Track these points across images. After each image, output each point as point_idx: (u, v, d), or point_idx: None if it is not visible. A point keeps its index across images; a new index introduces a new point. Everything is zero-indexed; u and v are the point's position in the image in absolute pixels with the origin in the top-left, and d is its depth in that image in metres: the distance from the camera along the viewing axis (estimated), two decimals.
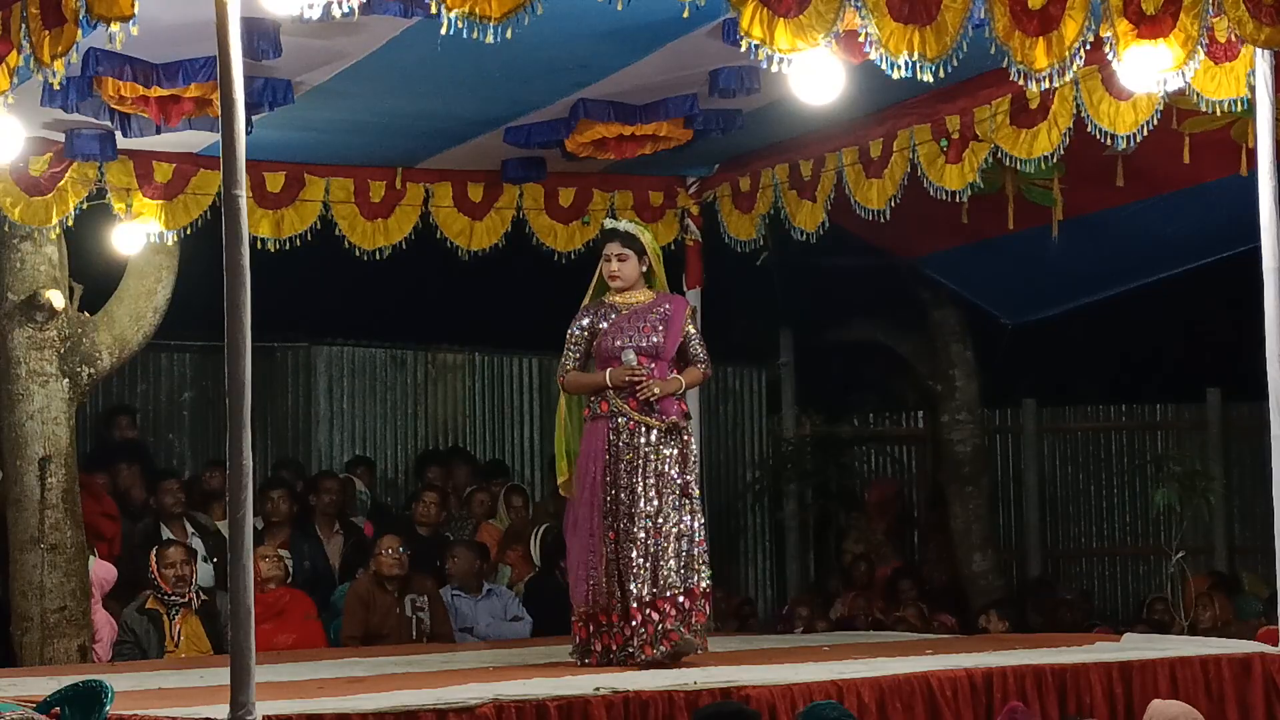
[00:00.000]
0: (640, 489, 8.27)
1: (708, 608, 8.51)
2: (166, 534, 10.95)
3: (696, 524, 8.37)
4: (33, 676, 8.44)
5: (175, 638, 10.01)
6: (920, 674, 7.63)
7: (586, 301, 8.68)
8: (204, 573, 10.62)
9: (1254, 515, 13.57)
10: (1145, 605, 12.91)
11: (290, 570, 10.95)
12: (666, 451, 8.33)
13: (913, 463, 15.64)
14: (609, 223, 8.82)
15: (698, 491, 8.51)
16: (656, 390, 8.33)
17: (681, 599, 8.25)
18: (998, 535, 14.77)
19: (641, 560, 8.20)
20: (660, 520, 8.25)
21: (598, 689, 7.06)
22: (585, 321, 8.55)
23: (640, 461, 8.29)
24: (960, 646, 9.15)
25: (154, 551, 10.22)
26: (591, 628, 8.33)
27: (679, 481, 8.35)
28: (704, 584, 8.37)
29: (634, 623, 8.18)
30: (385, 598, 10.63)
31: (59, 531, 10.14)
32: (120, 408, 12.88)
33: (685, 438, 8.45)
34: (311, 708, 6.74)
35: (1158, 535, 14.49)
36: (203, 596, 10.21)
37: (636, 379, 8.34)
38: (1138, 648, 8.67)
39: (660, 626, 8.18)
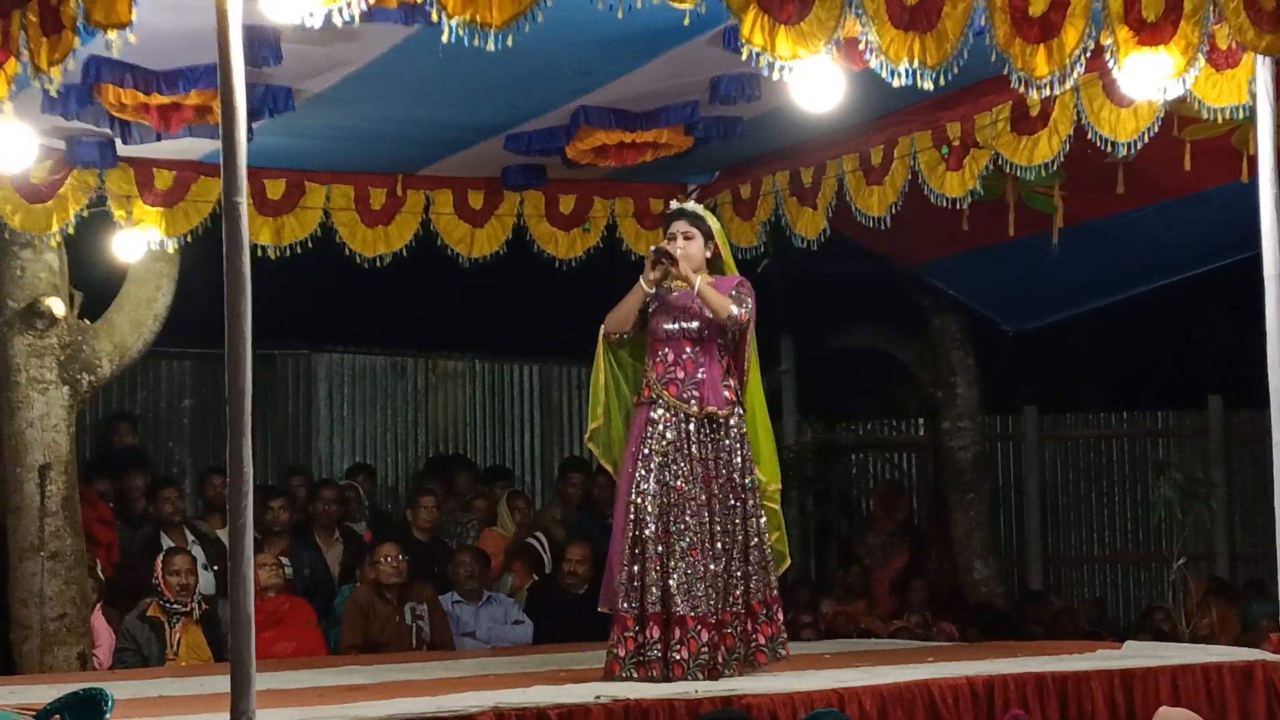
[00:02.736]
0: (679, 486, 7.87)
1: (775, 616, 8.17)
2: (167, 542, 10.95)
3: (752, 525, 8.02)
4: (33, 684, 8.44)
5: (175, 646, 10.00)
6: (921, 682, 7.62)
7: None
8: (204, 580, 10.62)
9: (1255, 522, 13.56)
10: (1147, 612, 12.91)
11: (290, 578, 10.95)
12: (708, 444, 7.98)
13: (914, 470, 15.62)
14: (676, 204, 8.45)
15: (749, 484, 8.10)
16: (680, 250, 8.00)
17: (728, 619, 7.91)
18: (999, 542, 14.76)
19: (686, 570, 7.80)
20: (712, 522, 7.89)
21: (598, 697, 7.05)
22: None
23: (678, 455, 7.91)
24: (962, 654, 9.13)
25: (159, 558, 10.23)
26: (614, 631, 7.89)
27: (725, 478, 7.97)
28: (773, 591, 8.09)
29: (686, 638, 7.78)
30: (385, 606, 10.63)
31: (59, 539, 10.15)
32: (120, 415, 12.89)
33: (730, 427, 8.05)
34: (312, 716, 6.74)
35: (1159, 542, 14.50)
36: (203, 605, 10.21)
37: (665, 253, 8.02)
38: (1139, 655, 8.65)
39: (723, 649, 7.87)
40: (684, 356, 8.06)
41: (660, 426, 7.97)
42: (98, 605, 10.46)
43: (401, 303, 13.27)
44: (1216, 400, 15.14)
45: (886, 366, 14.87)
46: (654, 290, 8.15)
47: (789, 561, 8.37)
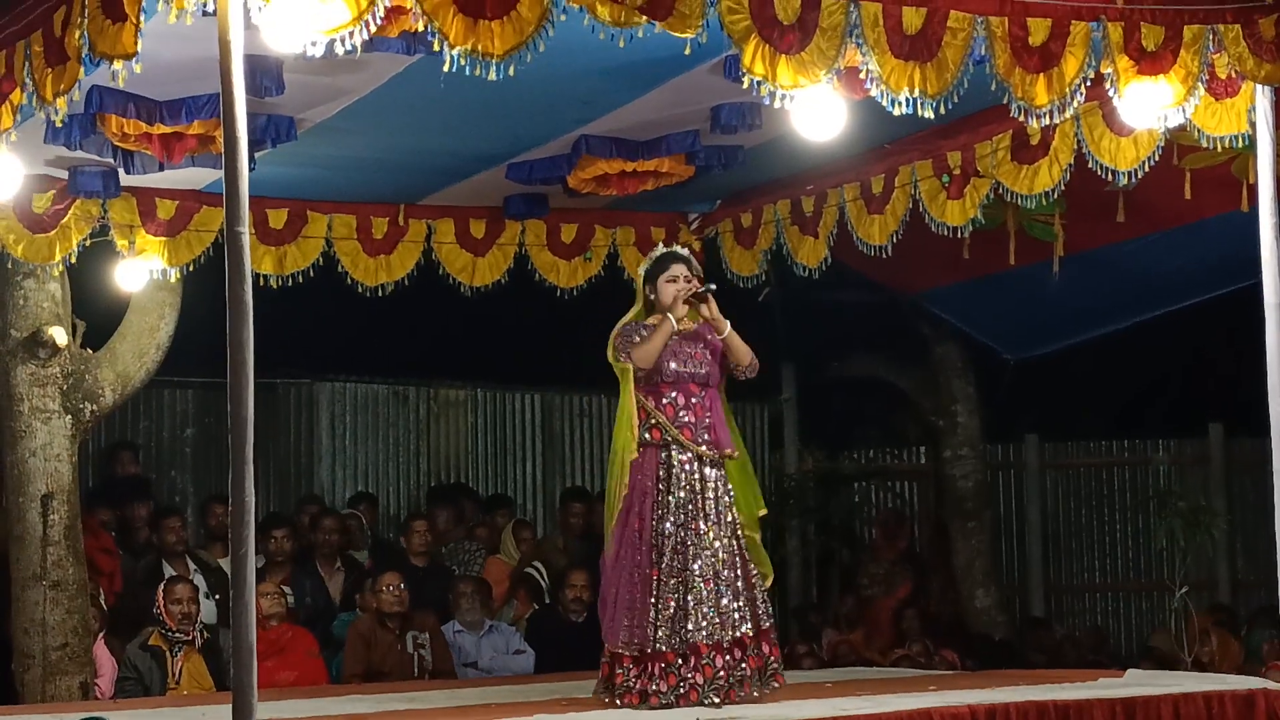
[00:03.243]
0: (696, 526, 7.87)
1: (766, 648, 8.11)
2: (169, 571, 10.95)
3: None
4: (34, 714, 8.44)
5: (177, 675, 9.99)
6: (923, 710, 7.60)
7: (631, 318, 8.16)
8: (206, 609, 10.61)
9: (1257, 550, 13.55)
10: (1149, 641, 12.90)
11: (292, 607, 10.95)
12: (724, 486, 7.99)
13: (915, 498, 15.62)
14: (670, 248, 8.35)
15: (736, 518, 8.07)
16: (700, 288, 8.01)
17: (747, 640, 7.90)
18: (1000, 571, 14.75)
19: (702, 602, 7.81)
20: (722, 559, 7.89)
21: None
22: (646, 329, 8.07)
23: (695, 497, 7.90)
24: (964, 683, 9.12)
25: (161, 587, 10.22)
26: (632, 668, 7.85)
27: (724, 514, 7.97)
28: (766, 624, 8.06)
29: (700, 664, 7.77)
30: (386, 635, 10.62)
31: (61, 568, 10.14)
32: (123, 444, 12.90)
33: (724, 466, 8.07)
34: None
35: (1161, 570, 14.47)
36: (205, 634, 10.20)
37: (687, 291, 8.01)
38: (1141, 684, 8.64)
39: (737, 671, 7.84)
40: (693, 400, 8.04)
41: (676, 468, 7.94)
42: (100, 635, 10.46)
43: (403, 332, 13.29)
44: (1218, 428, 15.14)
45: (888, 395, 14.88)
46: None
47: (772, 575, 8.33)
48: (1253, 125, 8.11)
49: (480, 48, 6.51)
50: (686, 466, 7.93)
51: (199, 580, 10.88)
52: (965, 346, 13.85)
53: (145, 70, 6.62)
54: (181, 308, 10.65)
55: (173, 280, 10.26)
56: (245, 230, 6.22)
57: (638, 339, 7.97)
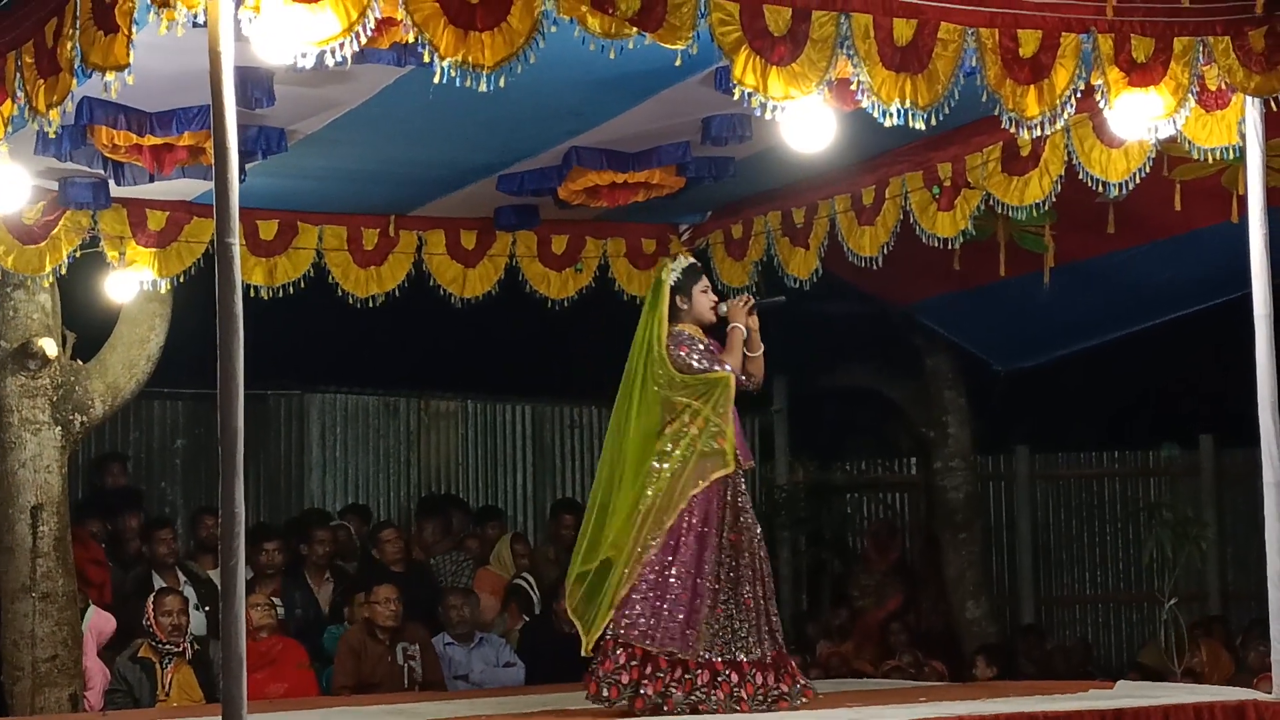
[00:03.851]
0: (745, 540, 7.95)
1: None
2: (159, 582, 10.93)
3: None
4: None
5: (167, 687, 9.98)
6: None
7: (664, 330, 8.06)
8: (196, 621, 10.59)
9: (1247, 561, 13.56)
10: (1138, 652, 12.90)
11: (282, 618, 10.93)
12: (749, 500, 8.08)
13: (906, 510, 15.63)
14: (691, 261, 8.43)
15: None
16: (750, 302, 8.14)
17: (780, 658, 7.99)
18: (991, 582, 14.75)
19: (752, 615, 7.88)
20: (764, 574, 7.99)
21: None
22: (697, 342, 8.08)
23: (742, 511, 7.97)
24: (954, 694, 9.12)
25: (151, 599, 10.20)
26: (670, 672, 7.79)
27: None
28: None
29: (744, 680, 7.82)
30: (377, 646, 10.61)
31: (50, 580, 10.12)
32: (112, 455, 12.88)
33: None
34: None
35: (1151, 582, 14.47)
36: (195, 646, 10.18)
37: (744, 303, 8.13)
38: (1131, 695, 8.64)
39: (776, 688, 7.89)
40: (730, 414, 8.04)
41: (730, 481, 7.96)
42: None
43: (394, 343, 13.28)
44: (1208, 439, 15.15)
45: (879, 406, 14.88)
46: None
47: None
48: (1243, 137, 8.13)
49: (471, 59, 6.51)
50: (735, 477, 7.97)
51: (189, 592, 10.86)
52: (956, 358, 13.86)
53: (136, 81, 6.61)
54: (172, 319, 10.63)
55: (163, 291, 10.24)
56: (236, 241, 6.21)
57: (701, 348, 8.00)
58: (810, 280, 10.51)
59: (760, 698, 7.81)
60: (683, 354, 7.98)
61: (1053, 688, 9.08)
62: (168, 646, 10.03)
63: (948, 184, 9.42)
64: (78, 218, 9.75)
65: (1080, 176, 8.60)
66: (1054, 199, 8.92)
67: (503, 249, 10.86)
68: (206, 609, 10.79)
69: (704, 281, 8.17)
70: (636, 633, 7.81)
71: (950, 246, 9.67)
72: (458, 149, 9.34)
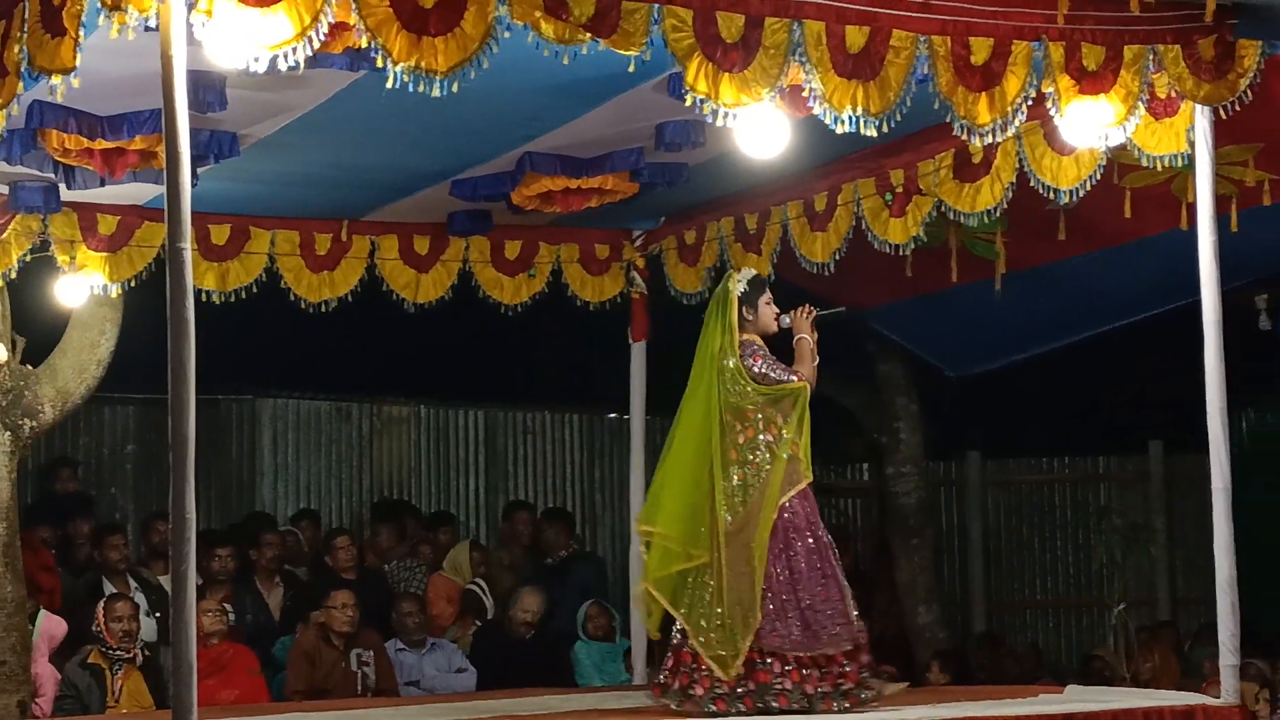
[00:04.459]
0: (824, 539, 8.12)
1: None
2: (109, 588, 10.88)
3: None
4: None
5: (117, 693, 9.93)
6: None
7: (733, 339, 8.19)
8: (146, 627, 10.55)
9: (1196, 567, 13.63)
10: (1088, 657, 12.95)
11: (233, 624, 10.89)
12: None
13: (858, 515, 15.67)
14: (755, 272, 8.51)
15: None
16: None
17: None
18: (942, 587, 14.80)
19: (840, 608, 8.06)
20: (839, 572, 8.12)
21: None
22: (768, 353, 8.25)
23: (818, 513, 8.19)
24: (905, 699, 9.13)
25: (101, 605, 10.15)
26: (795, 668, 7.91)
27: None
28: None
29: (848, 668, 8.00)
30: (331, 652, 10.58)
31: (0, 586, 10.04)
32: (62, 460, 12.81)
33: None
34: None
35: (1101, 587, 14.56)
36: (145, 652, 10.14)
37: (807, 313, 8.29)
38: (1081, 699, 8.68)
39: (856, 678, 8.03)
40: (807, 422, 8.19)
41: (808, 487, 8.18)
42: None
43: (346, 348, 13.25)
44: (1158, 445, 15.24)
45: (831, 412, 14.88)
46: None
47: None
48: (1192, 145, 8.18)
49: (424, 64, 6.51)
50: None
51: (139, 598, 10.81)
52: (908, 364, 13.89)
53: (87, 85, 6.59)
54: (123, 324, 10.57)
55: (114, 296, 10.19)
56: (187, 246, 6.18)
57: (773, 359, 8.14)
58: None
59: (845, 691, 7.94)
60: (757, 364, 8.11)
61: (1003, 692, 9.12)
62: (118, 653, 9.98)
63: (900, 190, 9.44)
64: (28, 222, 9.70)
65: (1031, 184, 8.64)
66: (1005, 206, 8.95)
67: (456, 254, 10.85)
68: (157, 615, 10.74)
69: (768, 293, 8.28)
70: (778, 640, 7.90)
71: (902, 253, 9.70)
72: (411, 154, 9.32)
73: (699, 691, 7.90)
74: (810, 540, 8.02)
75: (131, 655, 10.01)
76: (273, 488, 13.95)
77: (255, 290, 10.37)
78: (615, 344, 11.52)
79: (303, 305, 10.54)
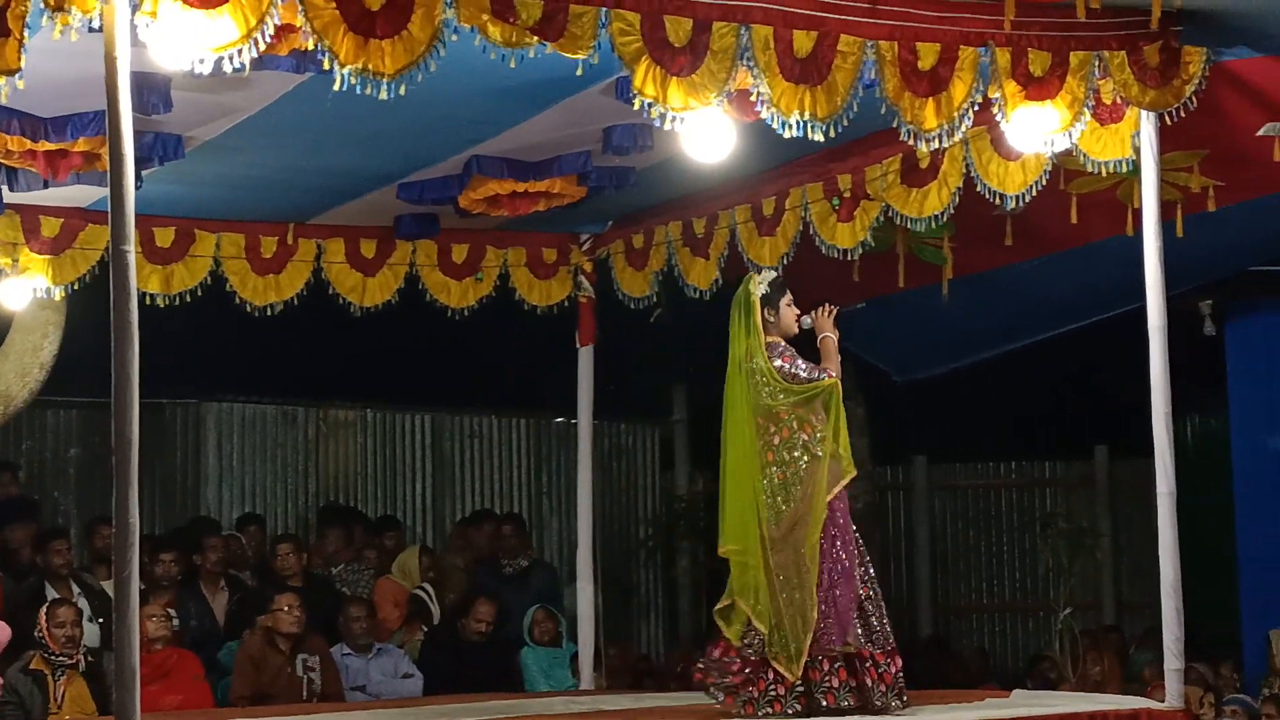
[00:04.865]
0: (859, 538, 8.15)
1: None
2: (52, 593, 10.79)
3: None
4: None
5: (59, 699, 9.85)
6: None
7: (760, 341, 8.16)
8: (89, 633, 10.47)
9: (1141, 571, 13.71)
10: (1034, 661, 12.99)
11: (178, 629, 10.82)
12: None
13: None
14: (777, 274, 8.47)
15: None
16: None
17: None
18: (889, 592, 14.80)
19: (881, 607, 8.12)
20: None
21: None
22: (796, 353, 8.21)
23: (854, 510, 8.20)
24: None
25: (44, 610, 10.06)
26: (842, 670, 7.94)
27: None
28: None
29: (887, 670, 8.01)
30: (277, 657, 10.53)
31: None
32: (4, 464, 12.70)
33: None
34: None
35: (1047, 591, 14.62)
36: (88, 657, 10.06)
37: (830, 312, 8.25)
38: (1027, 704, 8.71)
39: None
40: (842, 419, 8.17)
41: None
42: None
43: (292, 352, 13.18)
44: (1103, 450, 15.31)
45: None
46: None
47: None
48: (1137, 150, 8.23)
49: (371, 67, 6.48)
50: None
51: (83, 603, 10.73)
52: (855, 368, 13.84)
53: (30, 86, 6.54)
54: (66, 327, 10.51)
55: (57, 299, 10.13)
56: (131, 249, 6.14)
57: (800, 359, 8.10)
58: (710, 290, 10.53)
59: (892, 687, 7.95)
60: (785, 365, 8.10)
61: (949, 697, 9.14)
62: (60, 658, 9.90)
63: (847, 195, 9.47)
64: None
65: (978, 189, 8.67)
66: (952, 211, 8.98)
67: (403, 258, 10.82)
68: (100, 620, 10.66)
69: (789, 295, 8.23)
70: (828, 639, 7.91)
71: (849, 257, 9.73)
72: (357, 157, 9.29)
73: (754, 693, 7.96)
74: (851, 536, 8.05)
75: (74, 661, 9.93)
76: (218, 492, 13.88)
77: (200, 293, 10.32)
78: (562, 348, 11.50)
79: (248, 309, 10.50)
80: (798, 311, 8.22)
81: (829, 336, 8.24)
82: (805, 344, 8.27)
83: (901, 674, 8.01)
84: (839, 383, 8.10)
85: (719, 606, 8.17)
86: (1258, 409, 12.73)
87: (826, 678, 7.87)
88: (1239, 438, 12.90)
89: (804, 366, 8.09)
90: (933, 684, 11.90)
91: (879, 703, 7.87)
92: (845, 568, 7.95)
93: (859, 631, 7.95)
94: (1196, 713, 9.76)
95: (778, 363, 8.08)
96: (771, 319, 8.17)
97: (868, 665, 7.94)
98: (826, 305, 8.30)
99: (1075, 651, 11.79)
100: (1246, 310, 12.64)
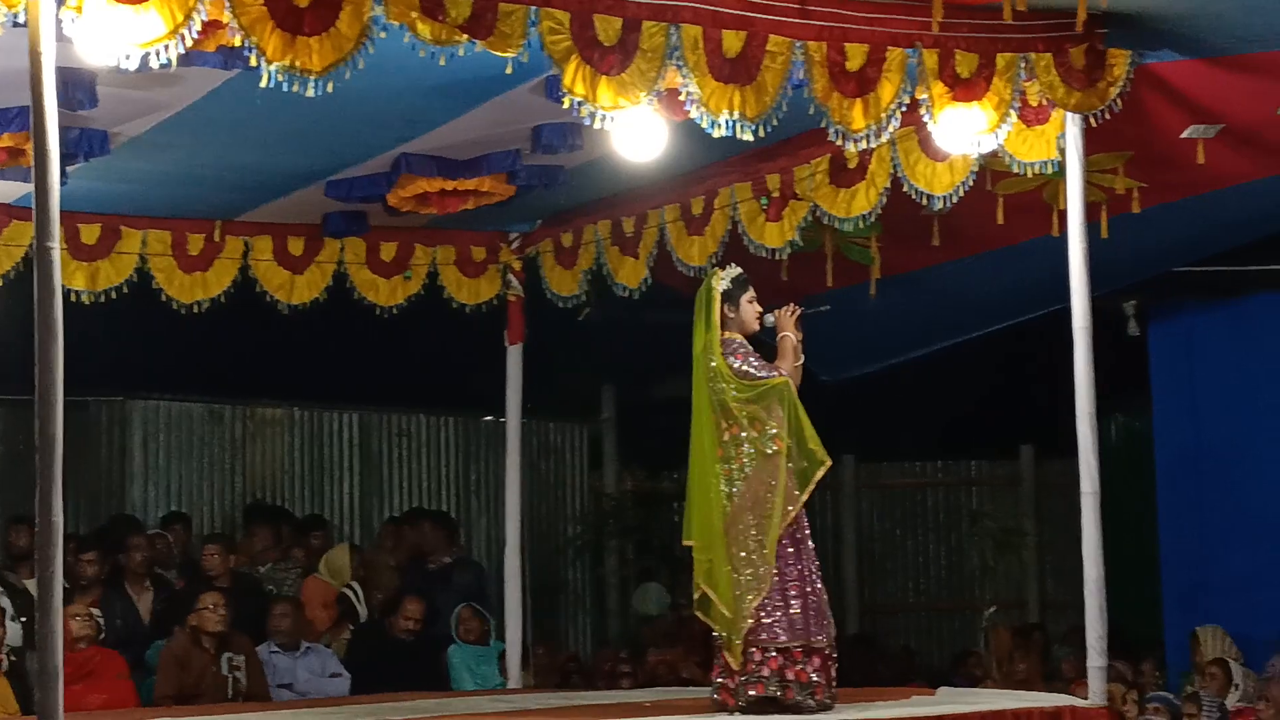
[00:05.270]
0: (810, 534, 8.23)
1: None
2: None
3: None
4: None
5: None
6: None
7: (715, 337, 8.14)
8: (12, 632, 10.38)
9: (1065, 570, 13.79)
10: (960, 659, 13.07)
11: (102, 628, 10.74)
12: None
13: None
14: (740, 271, 8.38)
15: None
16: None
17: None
18: None
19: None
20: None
21: None
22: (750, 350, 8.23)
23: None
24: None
25: None
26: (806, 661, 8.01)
27: None
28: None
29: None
30: (202, 655, 10.47)
31: None
32: None
33: None
34: None
35: (972, 590, 14.71)
36: (11, 657, 9.98)
37: (793, 312, 8.28)
38: (952, 701, 8.76)
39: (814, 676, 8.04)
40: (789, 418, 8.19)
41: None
42: None
43: (219, 349, 13.10)
44: (1028, 450, 15.40)
45: None
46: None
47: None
48: (1062, 152, 8.29)
49: (299, 64, 6.45)
50: None
51: (4, 602, 10.64)
52: None
53: None
54: None
55: None
56: (56, 246, 6.09)
57: (754, 356, 8.12)
58: (639, 289, 10.54)
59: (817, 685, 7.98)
60: (738, 362, 8.09)
61: (876, 695, 9.18)
62: None
63: (776, 195, 9.50)
64: None
65: (905, 189, 8.72)
66: (880, 211, 9.03)
67: (331, 255, 10.79)
68: (23, 620, 10.58)
69: (751, 291, 8.22)
70: (778, 632, 7.98)
71: (778, 257, 9.76)
72: (285, 154, 9.26)
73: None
74: (806, 532, 8.15)
75: None
76: (143, 491, 13.78)
77: (126, 291, 10.26)
78: (491, 346, 11.49)
79: (175, 306, 10.45)
80: (759, 309, 8.23)
81: (788, 335, 8.27)
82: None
83: (817, 673, 8.00)
84: (790, 382, 8.12)
85: (696, 597, 8.16)
86: (1180, 409, 12.84)
87: (759, 667, 7.91)
88: (1162, 437, 13.02)
89: (756, 364, 8.10)
90: (859, 682, 11.97)
91: (799, 698, 7.89)
92: (818, 564, 8.12)
93: (834, 632, 8.07)
94: (1120, 709, 9.83)
95: (730, 359, 8.09)
96: (731, 315, 8.17)
97: (809, 660, 7.96)
98: (791, 305, 8.32)
99: (1000, 649, 11.86)
100: (1170, 311, 12.76)
